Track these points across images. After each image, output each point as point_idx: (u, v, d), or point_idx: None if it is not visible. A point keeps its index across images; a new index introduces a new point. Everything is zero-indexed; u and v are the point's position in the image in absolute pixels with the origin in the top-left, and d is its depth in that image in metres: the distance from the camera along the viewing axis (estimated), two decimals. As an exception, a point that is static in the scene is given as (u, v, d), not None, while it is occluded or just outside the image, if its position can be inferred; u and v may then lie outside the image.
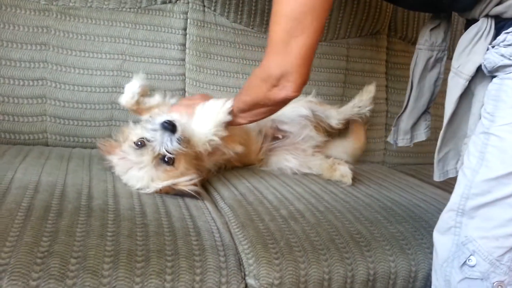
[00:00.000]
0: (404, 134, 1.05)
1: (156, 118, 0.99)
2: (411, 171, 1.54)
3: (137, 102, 1.15)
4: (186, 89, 1.40)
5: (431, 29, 0.95)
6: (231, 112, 1.02)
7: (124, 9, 1.34)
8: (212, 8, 1.43)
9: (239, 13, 1.46)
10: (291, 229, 0.88)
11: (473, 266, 0.75)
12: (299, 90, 0.86)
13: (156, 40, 1.36)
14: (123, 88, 1.30)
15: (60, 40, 1.26)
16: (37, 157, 1.09)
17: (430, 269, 0.88)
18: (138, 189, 0.96)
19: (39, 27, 1.24)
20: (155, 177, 0.95)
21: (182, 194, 0.97)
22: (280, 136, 1.36)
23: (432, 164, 1.68)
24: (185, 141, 0.97)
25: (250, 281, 0.77)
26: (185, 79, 1.40)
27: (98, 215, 0.80)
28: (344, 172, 1.24)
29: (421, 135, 1.06)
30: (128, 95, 1.14)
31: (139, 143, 0.97)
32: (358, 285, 0.83)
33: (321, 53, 1.57)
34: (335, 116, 1.40)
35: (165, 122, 0.95)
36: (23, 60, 1.22)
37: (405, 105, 1.05)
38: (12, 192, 0.83)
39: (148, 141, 0.96)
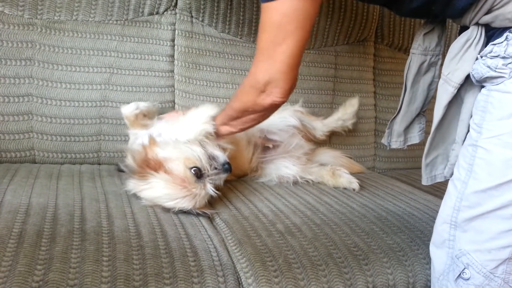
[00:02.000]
0: (398, 136, 1.06)
1: (217, 155, 1.04)
2: (401, 177, 1.55)
3: (136, 117, 1.16)
4: (175, 101, 1.39)
5: (425, 34, 0.95)
6: (214, 120, 1.05)
7: (110, 21, 1.32)
8: (200, 19, 1.42)
9: (227, 23, 1.45)
10: (289, 244, 0.88)
11: (467, 279, 0.76)
12: (286, 96, 0.88)
13: (144, 52, 1.35)
14: (111, 101, 1.30)
15: (46, 54, 1.23)
16: (26, 177, 1.06)
17: (427, 280, 0.89)
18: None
19: (24, 42, 1.21)
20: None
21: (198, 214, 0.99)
22: (271, 146, 1.36)
23: (420, 168, 1.70)
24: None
25: (250, 300, 0.77)
26: (174, 91, 1.38)
27: (93, 239, 0.78)
28: (350, 178, 1.27)
29: (415, 137, 1.07)
30: (133, 106, 1.17)
31: (195, 172, 0.98)
32: (358, 299, 0.83)
33: (310, 61, 1.57)
34: (320, 127, 1.44)
35: (227, 163, 1.02)
36: (8, 76, 1.19)
37: (398, 108, 1.05)
38: (2, 217, 0.81)
39: (202, 173, 0.99)
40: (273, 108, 0.91)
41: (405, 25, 1.67)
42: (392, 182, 1.41)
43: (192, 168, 0.98)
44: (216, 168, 1.01)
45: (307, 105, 1.50)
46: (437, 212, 1.12)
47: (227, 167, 1.02)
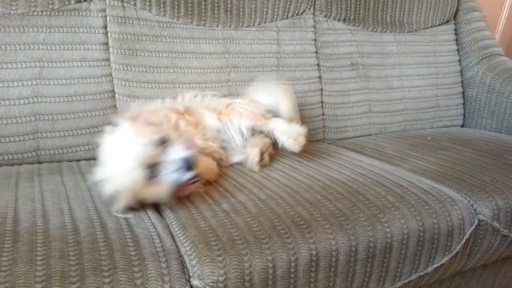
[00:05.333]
0: None
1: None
2: (350, 145, 1.59)
3: None
4: (115, 90, 1.34)
5: None
6: None
7: (35, 12, 1.25)
8: (132, 3, 1.37)
9: (162, 5, 1.41)
10: (233, 222, 0.88)
11: None
12: None
13: (75, 42, 1.29)
14: (44, 97, 1.24)
15: (-35, 53, 1.16)
16: (-45, 184, 1.01)
17: (369, 241, 0.92)
18: None
19: None
20: None
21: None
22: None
23: (369, 135, 1.75)
24: None
25: (195, 282, 0.77)
26: (112, 80, 1.34)
27: (26, 239, 0.76)
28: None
29: None
30: None
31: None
32: (302, 267, 0.85)
33: (252, 39, 1.56)
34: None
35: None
36: None
37: None
38: None
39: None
40: None
41: (343, -5, 1.68)
42: (340, 151, 1.44)
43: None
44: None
45: (253, 83, 1.50)
46: (381, 176, 1.17)
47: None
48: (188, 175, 0.89)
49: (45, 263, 0.71)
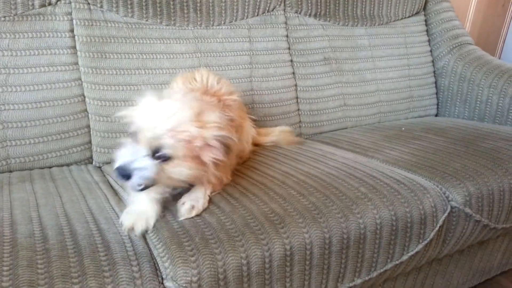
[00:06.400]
0: None
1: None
2: (326, 139, 1.60)
3: None
4: (85, 94, 1.32)
5: None
6: None
7: (-3, 18, 1.22)
8: (98, 5, 1.35)
9: (129, 6, 1.39)
10: (206, 222, 0.88)
11: None
12: None
13: (41, 47, 1.26)
14: (12, 104, 1.21)
15: None
16: None
17: (343, 233, 0.93)
18: None
19: None
20: None
21: None
22: None
23: (344, 129, 1.77)
24: None
25: (168, 284, 0.77)
26: (82, 84, 1.32)
27: (-8, 250, 0.74)
28: None
29: None
30: None
31: None
32: (277, 262, 0.85)
33: (223, 37, 1.55)
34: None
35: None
36: None
37: None
38: None
39: None
40: None
41: (312, -10, 1.69)
42: (315, 146, 1.45)
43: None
44: None
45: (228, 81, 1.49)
46: (355, 168, 1.18)
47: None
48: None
49: (12, 273, 0.69)
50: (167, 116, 0.82)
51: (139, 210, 0.90)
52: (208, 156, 0.86)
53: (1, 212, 0.90)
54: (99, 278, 0.71)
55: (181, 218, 0.89)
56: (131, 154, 0.82)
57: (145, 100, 0.86)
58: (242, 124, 1.22)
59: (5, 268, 0.70)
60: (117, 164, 0.82)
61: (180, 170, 0.85)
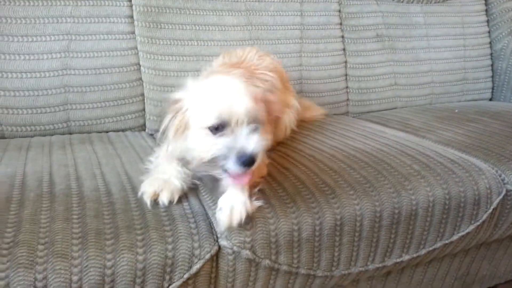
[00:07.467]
0: None
1: None
2: (374, 118, 1.57)
3: None
4: (141, 63, 1.36)
5: None
6: None
7: (61, -14, 1.27)
8: (156, -25, 1.37)
9: (185, -23, 1.41)
10: (259, 189, 0.90)
11: None
12: None
13: (101, 15, 1.31)
14: (73, 69, 1.27)
15: (-2, 26, 1.19)
16: (-7, 151, 1.05)
17: (394, 208, 0.92)
18: None
19: (-28, 15, 1.17)
20: None
21: None
22: None
23: (394, 109, 1.72)
24: None
25: (223, 242, 0.79)
26: (138, 53, 1.36)
27: (62, 200, 0.79)
28: None
29: None
30: None
31: None
32: (327, 231, 0.86)
33: (275, 10, 1.54)
34: None
35: None
36: (-39, 52, 1.16)
37: None
38: (-31, 189, 0.81)
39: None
40: None
41: (368, -36, 1.64)
42: (364, 124, 1.43)
43: None
44: None
45: (275, 56, 1.49)
46: (406, 146, 1.16)
47: None
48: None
49: (81, 221, 0.74)
50: (241, 94, 0.81)
51: (165, 180, 0.85)
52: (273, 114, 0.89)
53: (66, 168, 0.95)
54: (160, 231, 0.75)
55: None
56: (240, 141, 0.77)
57: (205, 87, 0.84)
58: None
59: (74, 217, 0.75)
60: (240, 159, 0.76)
61: (265, 137, 0.82)
